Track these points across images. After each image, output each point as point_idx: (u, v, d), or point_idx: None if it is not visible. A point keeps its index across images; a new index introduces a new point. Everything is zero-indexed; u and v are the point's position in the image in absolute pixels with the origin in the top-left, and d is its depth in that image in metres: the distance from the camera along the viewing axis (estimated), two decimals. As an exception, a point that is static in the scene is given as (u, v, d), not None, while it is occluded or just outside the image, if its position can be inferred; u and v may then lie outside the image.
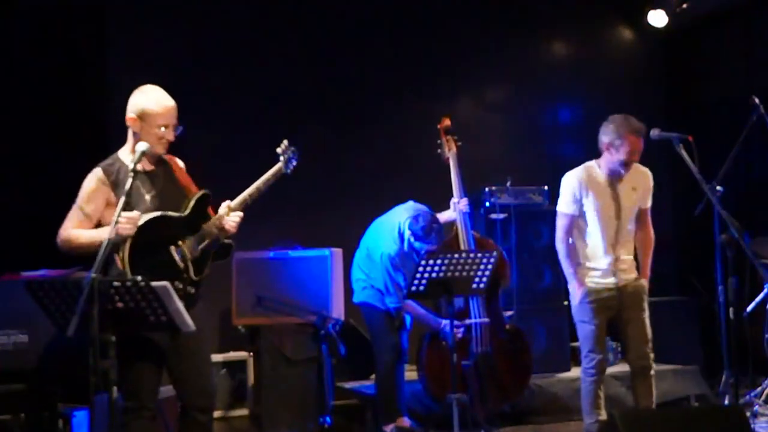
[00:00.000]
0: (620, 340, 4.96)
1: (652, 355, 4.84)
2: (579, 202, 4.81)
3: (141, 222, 3.59)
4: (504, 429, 5.74)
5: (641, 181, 4.88)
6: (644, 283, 4.89)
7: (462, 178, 5.63)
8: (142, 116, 3.73)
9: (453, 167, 5.62)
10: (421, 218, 5.30)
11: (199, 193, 3.83)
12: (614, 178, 4.80)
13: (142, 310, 3.37)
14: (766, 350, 5.68)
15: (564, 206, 4.87)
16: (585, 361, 4.84)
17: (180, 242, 3.73)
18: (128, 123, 3.78)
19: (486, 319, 5.50)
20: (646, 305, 4.86)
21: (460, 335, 5.32)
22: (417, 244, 5.31)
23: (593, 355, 4.79)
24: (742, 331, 4.97)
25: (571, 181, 4.85)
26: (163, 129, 3.74)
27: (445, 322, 5.25)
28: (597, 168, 4.85)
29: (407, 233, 5.33)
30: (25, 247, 5.69)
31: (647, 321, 4.85)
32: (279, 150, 4.08)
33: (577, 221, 4.85)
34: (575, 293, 4.82)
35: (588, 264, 4.84)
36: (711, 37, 7.70)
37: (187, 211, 3.77)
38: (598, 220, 4.78)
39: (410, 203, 5.56)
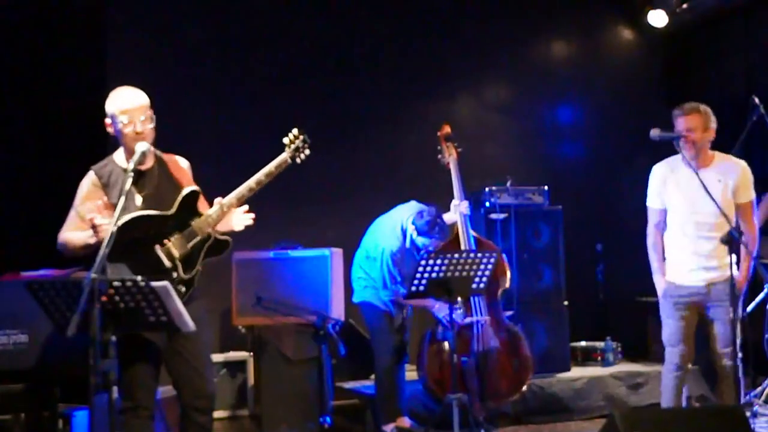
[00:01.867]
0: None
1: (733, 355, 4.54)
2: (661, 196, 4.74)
3: (121, 222, 3.55)
4: (504, 429, 5.74)
5: (728, 172, 4.61)
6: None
7: (463, 182, 5.65)
8: (111, 118, 3.78)
9: (454, 172, 5.65)
10: (426, 213, 5.34)
11: (186, 191, 3.81)
12: (693, 166, 4.54)
13: (142, 310, 3.37)
14: (766, 350, 5.68)
15: (649, 200, 4.79)
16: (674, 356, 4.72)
17: (166, 241, 3.73)
18: (106, 128, 3.82)
19: (488, 317, 5.51)
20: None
21: (459, 321, 5.31)
22: (420, 240, 5.34)
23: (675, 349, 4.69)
24: (742, 331, 4.96)
25: (654, 174, 4.78)
26: (128, 128, 3.73)
27: (441, 305, 5.28)
28: (679, 160, 4.71)
29: (410, 229, 5.36)
30: (25, 247, 5.69)
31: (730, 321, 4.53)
32: (286, 140, 4.01)
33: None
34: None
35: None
36: (711, 37, 7.70)
37: (173, 209, 3.76)
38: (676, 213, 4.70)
39: (413, 202, 5.58)
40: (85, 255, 3.69)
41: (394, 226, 5.45)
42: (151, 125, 3.79)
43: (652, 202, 4.76)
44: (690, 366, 4.79)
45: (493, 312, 5.56)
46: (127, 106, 3.75)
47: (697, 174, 4.39)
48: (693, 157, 4.57)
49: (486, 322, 5.51)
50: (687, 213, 4.64)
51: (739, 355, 4.45)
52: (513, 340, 5.63)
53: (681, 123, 4.60)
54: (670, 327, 4.70)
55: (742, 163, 4.68)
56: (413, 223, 5.37)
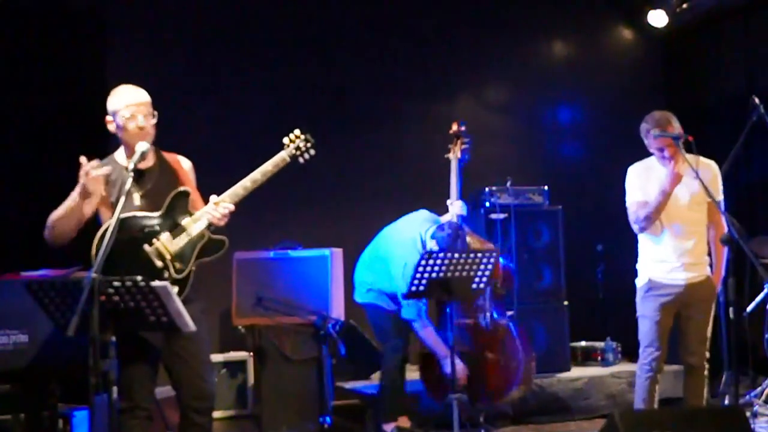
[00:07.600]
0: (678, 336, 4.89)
1: (707, 355, 4.85)
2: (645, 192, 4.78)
3: (121, 216, 3.54)
4: (504, 429, 5.75)
5: (703, 172, 4.64)
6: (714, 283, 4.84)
7: (461, 181, 5.59)
8: (113, 115, 3.79)
9: (452, 170, 5.59)
10: (447, 227, 5.22)
11: (175, 191, 3.81)
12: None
13: (142, 310, 3.37)
14: (766, 350, 5.68)
15: (633, 195, 4.83)
16: (642, 355, 4.82)
17: (155, 240, 3.72)
18: (107, 126, 3.83)
19: (464, 320, 5.44)
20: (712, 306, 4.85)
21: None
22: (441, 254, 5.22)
23: (650, 350, 4.79)
24: (742, 331, 4.97)
25: (633, 173, 4.86)
26: (131, 122, 3.74)
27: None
28: (654, 160, 4.84)
29: (430, 243, 5.25)
30: (25, 247, 5.68)
31: (709, 322, 4.84)
32: (286, 140, 4.01)
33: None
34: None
35: (653, 257, 4.84)
36: (711, 38, 7.70)
37: (163, 210, 3.77)
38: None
39: (424, 212, 5.49)
40: (66, 227, 3.68)
41: (414, 239, 5.29)
42: (153, 122, 3.80)
43: (637, 196, 4.80)
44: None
45: (474, 311, 5.45)
46: (131, 101, 3.77)
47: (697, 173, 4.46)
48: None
49: (461, 326, 5.42)
50: (670, 208, 4.72)
51: (707, 354, 4.80)
52: (496, 337, 5.46)
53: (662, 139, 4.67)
54: (653, 325, 4.78)
55: (712, 163, 4.81)
56: (433, 237, 5.22)
